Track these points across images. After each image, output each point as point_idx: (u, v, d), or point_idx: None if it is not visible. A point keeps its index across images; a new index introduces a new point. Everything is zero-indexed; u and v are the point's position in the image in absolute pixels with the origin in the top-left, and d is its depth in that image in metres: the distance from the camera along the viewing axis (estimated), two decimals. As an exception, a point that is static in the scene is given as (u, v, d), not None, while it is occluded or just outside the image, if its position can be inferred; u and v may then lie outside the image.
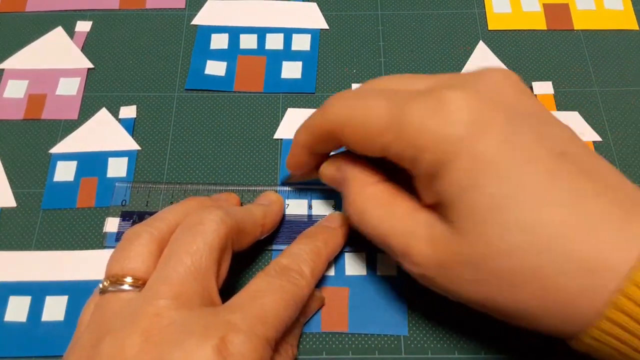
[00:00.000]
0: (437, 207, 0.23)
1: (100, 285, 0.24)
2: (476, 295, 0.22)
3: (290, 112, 0.36)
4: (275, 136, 0.35)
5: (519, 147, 0.21)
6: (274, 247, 0.31)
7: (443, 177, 0.22)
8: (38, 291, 0.30)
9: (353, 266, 0.30)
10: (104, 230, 0.32)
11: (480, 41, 0.39)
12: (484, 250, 0.21)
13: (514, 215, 0.20)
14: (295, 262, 0.27)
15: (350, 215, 0.26)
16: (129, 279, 0.24)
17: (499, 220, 0.21)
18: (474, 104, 0.22)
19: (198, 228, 0.24)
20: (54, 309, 0.30)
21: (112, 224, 0.32)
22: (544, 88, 0.36)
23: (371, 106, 0.24)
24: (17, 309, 0.29)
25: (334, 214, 0.31)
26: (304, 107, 0.36)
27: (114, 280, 0.24)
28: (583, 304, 0.20)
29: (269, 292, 0.24)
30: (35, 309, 0.30)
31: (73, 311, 0.29)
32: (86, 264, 0.31)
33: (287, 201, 0.32)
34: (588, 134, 0.35)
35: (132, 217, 0.32)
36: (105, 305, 0.23)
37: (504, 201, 0.20)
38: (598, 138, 0.35)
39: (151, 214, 0.29)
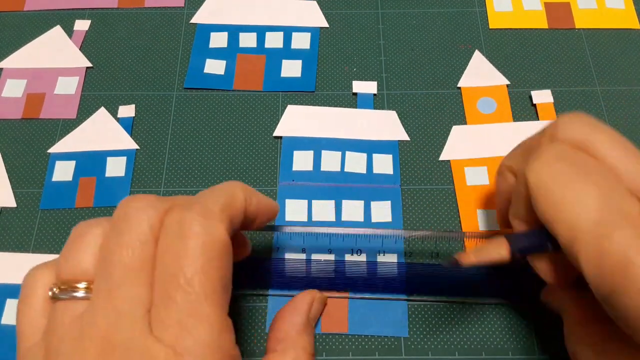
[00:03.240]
0: None
1: (50, 293, 0.20)
2: None
3: (290, 108, 0.36)
4: (275, 134, 0.35)
5: None
6: (270, 292, 0.30)
7: None
8: (36, 292, 0.30)
9: (353, 267, 0.30)
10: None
11: (476, 51, 0.38)
12: None
13: None
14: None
15: (568, 348, 0.25)
16: (82, 284, 0.20)
17: None
18: None
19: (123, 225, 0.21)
20: (53, 309, 0.29)
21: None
22: (542, 97, 0.36)
23: (581, 203, 0.20)
24: (14, 312, 0.29)
25: (304, 294, 0.29)
26: (304, 105, 0.36)
27: (65, 288, 0.20)
28: None
29: None
30: (34, 310, 0.29)
31: (72, 312, 0.29)
32: (85, 264, 0.31)
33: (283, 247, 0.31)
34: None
35: None
36: (55, 319, 0.20)
37: None
38: (599, 137, 0.34)
39: None
